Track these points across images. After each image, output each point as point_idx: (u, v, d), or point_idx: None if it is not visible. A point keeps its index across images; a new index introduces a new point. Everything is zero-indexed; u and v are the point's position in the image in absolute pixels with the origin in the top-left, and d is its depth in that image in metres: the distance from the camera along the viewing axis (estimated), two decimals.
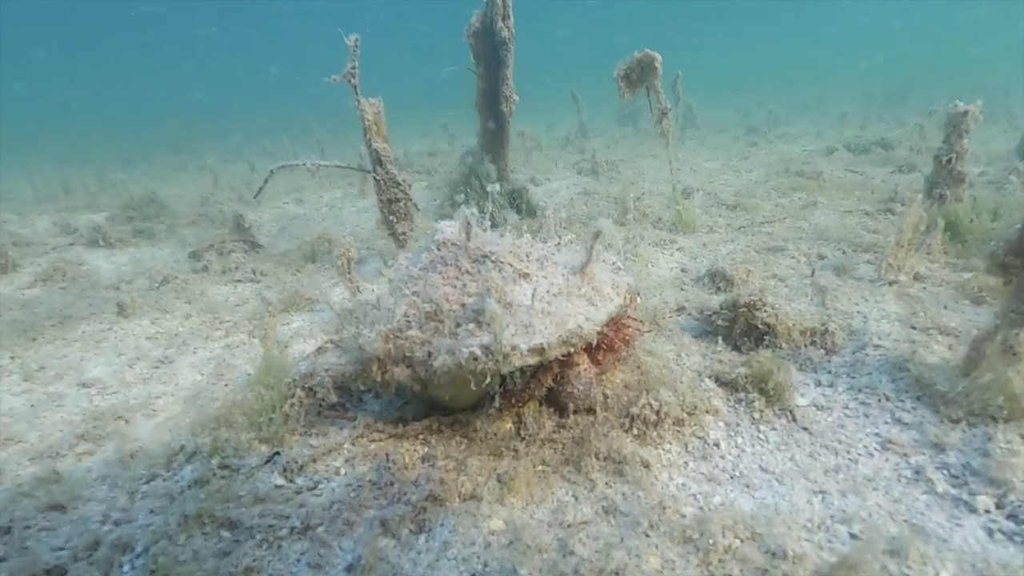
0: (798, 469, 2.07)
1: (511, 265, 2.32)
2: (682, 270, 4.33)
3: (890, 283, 3.60)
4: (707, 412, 2.41)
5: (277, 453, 2.17)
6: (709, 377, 2.66)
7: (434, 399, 2.34)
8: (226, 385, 3.12)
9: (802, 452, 2.17)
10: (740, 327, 3.05)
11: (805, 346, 2.94)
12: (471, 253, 2.35)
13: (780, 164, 8.50)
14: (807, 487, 1.98)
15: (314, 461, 2.14)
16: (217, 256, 5.58)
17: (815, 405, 2.47)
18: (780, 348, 2.92)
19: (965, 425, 2.16)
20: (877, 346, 2.85)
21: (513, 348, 2.00)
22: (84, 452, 2.46)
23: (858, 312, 3.27)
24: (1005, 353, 2.13)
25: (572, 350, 2.16)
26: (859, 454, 2.13)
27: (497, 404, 2.17)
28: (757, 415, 2.41)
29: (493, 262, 2.31)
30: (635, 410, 2.26)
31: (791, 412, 2.41)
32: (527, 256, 2.41)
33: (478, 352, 1.99)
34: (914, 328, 2.98)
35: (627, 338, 2.58)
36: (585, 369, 2.34)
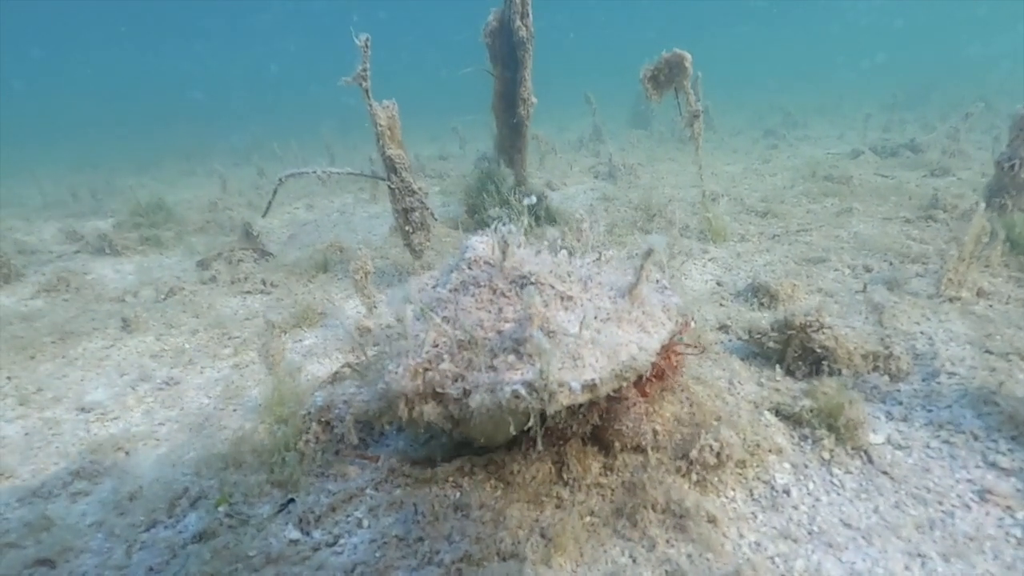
0: (886, 524, 1.80)
1: (553, 287, 2.06)
2: (717, 283, 4.06)
3: (951, 300, 3.31)
4: (770, 451, 2.15)
5: (292, 500, 1.93)
6: (769, 410, 2.39)
7: (466, 437, 2.08)
8: (235, 411, 2.89)
9: (886, 503, 1.90)
10: (795, 350, 2.78)
11: (868, 372, 2.66)
12: (507, 273, 2.10)
13: (806, 168, 8.19)
14: (901, 548, 1.71)
15: (333, 510, 1.90)
16: (226, 265, 5.37)
17: (891, 443, 2.20)
18: (840, 374, 2.65)
19: None
20: (951, 373, 2.57)
21: (561, 385, 1.71)
22: (79, 492, 2.24)
23: (921, 333, 2.99)
24: None
25: (624, 384, 1.85)
26: (954, 506, 1.86)
27: (540, 447, 1.89)
28: (827, 455, 2.15)
29: (532, 284, 2.04)
30: (693, 452, 1.99)
31: (866, 452, 2.14)
32: (569, 276, 2.15)
33: (522, 391, 1.70)
34: (990, 352, 2.70)
35: (676, 365, 2.32)
36: (634, 404, 2.08)
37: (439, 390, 1.85)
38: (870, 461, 2.10)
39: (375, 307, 3.62)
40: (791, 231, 5.09)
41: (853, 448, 2.16)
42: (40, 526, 1.99)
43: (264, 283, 4.81)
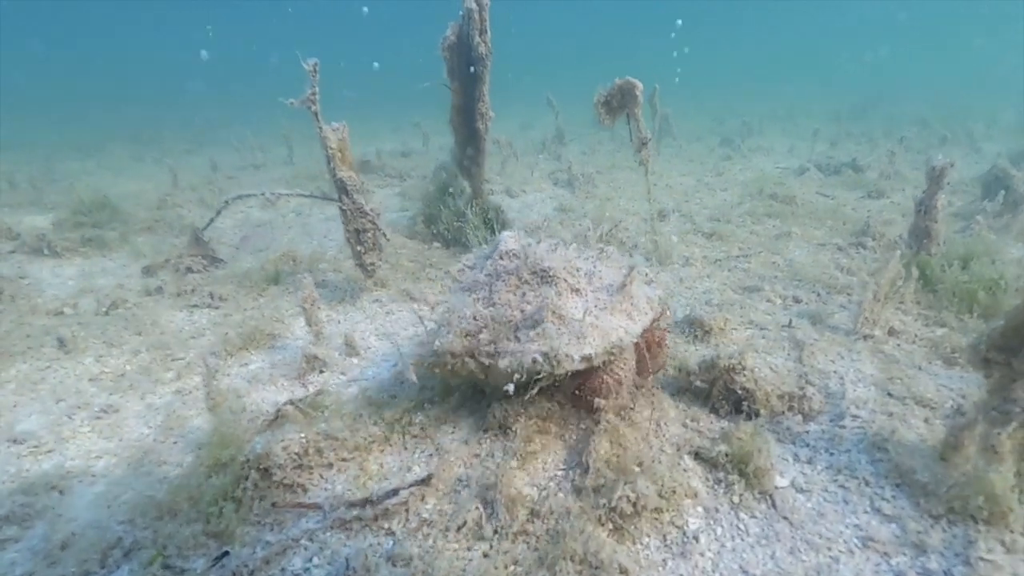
0: (780, 572, 2.00)
1: (566, 281, 2.69)
2: None
3: (865, 337, 3.58)
4: (686, 496, 2.32)
5: (226, 553, 1.98)
6: (689, 454, 2.57)
7: (485, 384, 2.73)
8: (175, 443, 2.90)
9: (783, 548, 2.10)
10: (719, 390, 2.98)
11: (783, 412, 2.88)
12: (530, 266, 2.72)
13: (754, 184, 8.54)
14: None
15: (267, 563, 1.97)
16: (172, 274, 5.26)
17: (795, 487, 2.41)
18: (758, 415, 2.86)
19: (946, 523, 2.12)
20: (855, 416, 2.81)
21: (567, 356, 2.39)
22: (8, 538, 2.23)
23: (835, 372, 3.23)
24: (986, 451, 2.10)
25: (612, 357, 2.58)
26: (840, 551, 2.07)
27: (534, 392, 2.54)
28: (737, 499, 2.34)
29: (551, 277, 2.67)
30: (612, 502, 2.15)
31: (771, 497, 2.34)
32: (578, 271, 2.77)
33: (539, 358, 2.38)
34: (891, 395, 2.96)
35: (660, 341, 2.98)
36: (616, 378, 2.74)
37: (477, 351, 2.49)
38: (773, 506, 2.30)
39: (322, 335, 3.65)
40: (732, 256, 5.34)
41: (760, 493, 2.36)
42: None
43: (212, 296, 4.75)
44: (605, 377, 2.71)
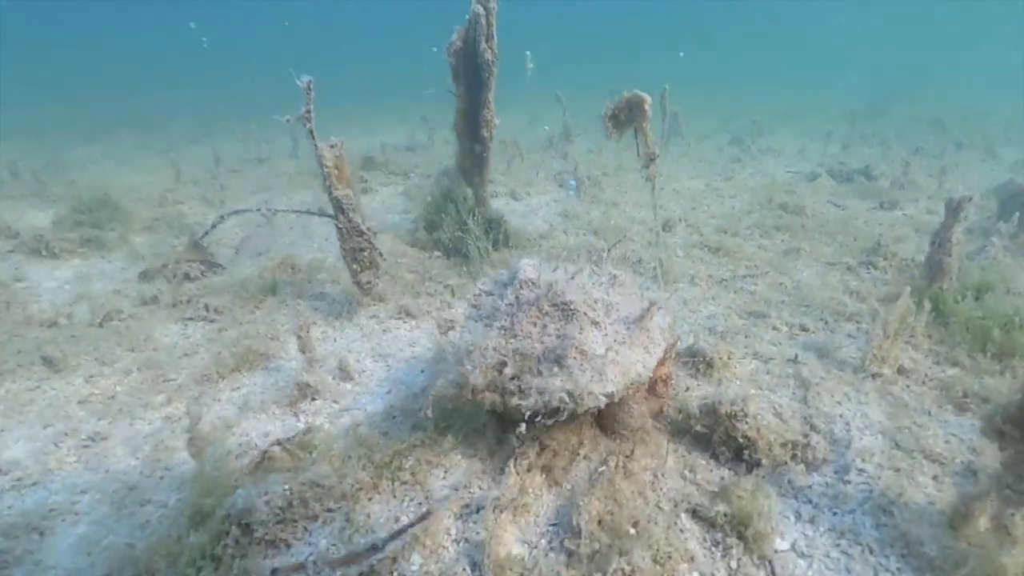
0: None
1: (586, 315, 2.69)
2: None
3: (873, 376, 3.47)
4: (682, 560, 2.24)
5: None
6: (687, 511, 2.48)
7: (504, 414, 2.73)
8: (161, 478, 2.85)
9: None
10: (720, 436, 2.88)
11: (786, 462, 2.79)
12: (551, 298, 2.74)
13: (764, 191, 8.37)
14: None
15: None
16: (168, 283, 5.19)
17: (795, 550, 2.32)
18: (760, 465, 2.77)
19: None
20: (861, 470, 2.71)
21: (590, 394, 2.43)
22: None
23: (841, 416, 3.13)
24: (999, 531, 2.00)
25: (630, 390, 2.62)
26: None
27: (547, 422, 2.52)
28: (735, 563, 2.25)
29: (572, 311, 2.68)
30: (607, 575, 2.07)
31: (770, 563, 2.25)
32: (596, 304, 2.77)
33: (565, 397, 2.42)
34: (898, 447, 2.86)
35: (664, 379, 2.99)
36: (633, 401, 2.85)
37: (499, 386, 2.51)
38: (773, 573, 2.22)
39: (315, 360, 3.57)
40: (739, 275, 5.22)
41: (759, 558, 2.27)
42: None
43: (207, 308, 4.68)
44: (620, 407, 2.83)
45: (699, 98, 22.29)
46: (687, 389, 3.43)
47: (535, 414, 2.46)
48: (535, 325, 2.69)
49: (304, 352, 3.45)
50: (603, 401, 2.45)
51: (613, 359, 2.53)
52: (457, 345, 2.71)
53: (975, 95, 21.64)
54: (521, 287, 2.86)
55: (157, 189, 8.87)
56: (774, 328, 4.24)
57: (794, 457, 2.82)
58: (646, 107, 4.81)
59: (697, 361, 3.62)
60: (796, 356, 3.70)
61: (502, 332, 2.68)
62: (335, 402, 3.44)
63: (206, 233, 4.89)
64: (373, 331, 4.43)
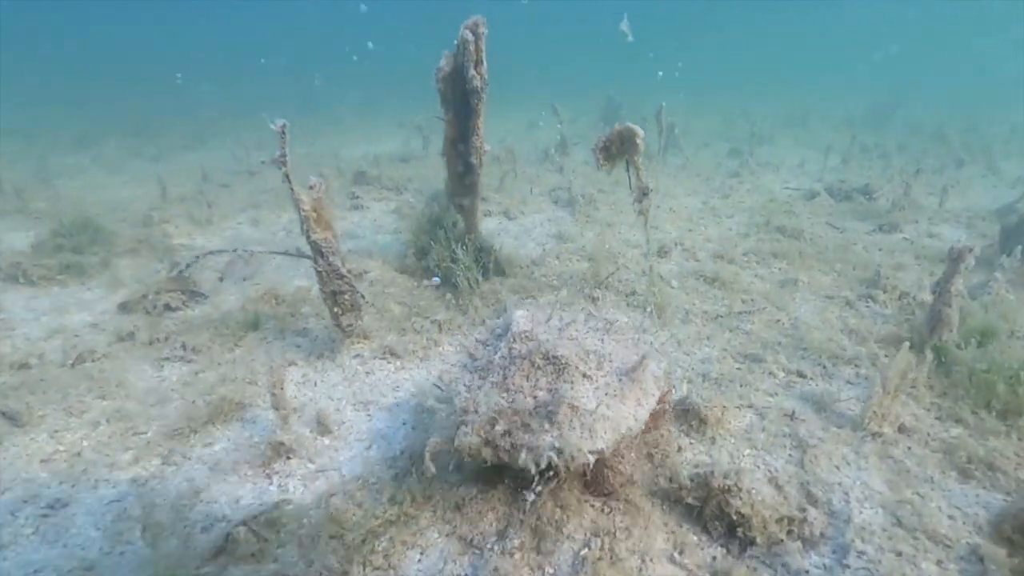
0: None
1: (577, 368, 2.77)
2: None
3: (873, 436, 3.33)
4: None
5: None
6: None
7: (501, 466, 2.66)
8: (122, 554, 2.69)
9: None
10: (712, 510, 2.74)
11: (782, 539, 2.64)
12: (543, 352, 2.84)
13: (761, 212, 8.23)
14: None
15: None
16: (146, 317, 5.03)
17: None
18: (754, 543, 2.62)
19: None
20: (860, 552, 2.57)
21: (579, 451, 2.42)
22: None
23: (839, 484, 2.99)
24: None
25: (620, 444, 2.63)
26: None
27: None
28: None
29: (563, 365, 2.78)
30: None
31: None
32: (588, 356, 2.86)
33: (553, 456, 2.42)
34: (900, 524, 2.71)
35: (657, 417, 3.04)
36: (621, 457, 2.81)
37: (492, 441, 2.55)
38: None
39: (290, 418, 3.42)
40: (734, 311, 5.07)
41: None
42: None
43: (184, 348, 4.53)
44: (614, 460, 2.80)
45: (701, 99, 22.16)
46: (679, 449, 3.28)
47: (534, 475, 2.48)
48: (527, 379, 2.77)
49: (277, 409, 3.30)
50: (592, 459, 2.44)
51: (604, 414, 2.54)
52: (452, 400, 2.82)
53: (980, 99, 21.52)
54: (514, 340, 2.99)
55: (143, 206, 8.70)
56: (770, 374, 4.09)
57: (790, 533, 2.68)
58: (638, 141, 4.66)
59: (690, 417, 3.47)
60: (793, 412, 3.55)
61: (495, 387, 2.77)
62: (311, 462, 3.29)
63: (180, 271, 4.72)
64: (356, 373, 4.28)
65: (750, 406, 3.69)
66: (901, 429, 3.38)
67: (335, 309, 4.13)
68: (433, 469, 2.66)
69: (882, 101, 20.72)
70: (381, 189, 9.92)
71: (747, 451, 3.28)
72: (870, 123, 18.25)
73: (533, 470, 2.44)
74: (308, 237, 3.83)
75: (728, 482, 2.70)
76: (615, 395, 2.67)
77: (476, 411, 2.63)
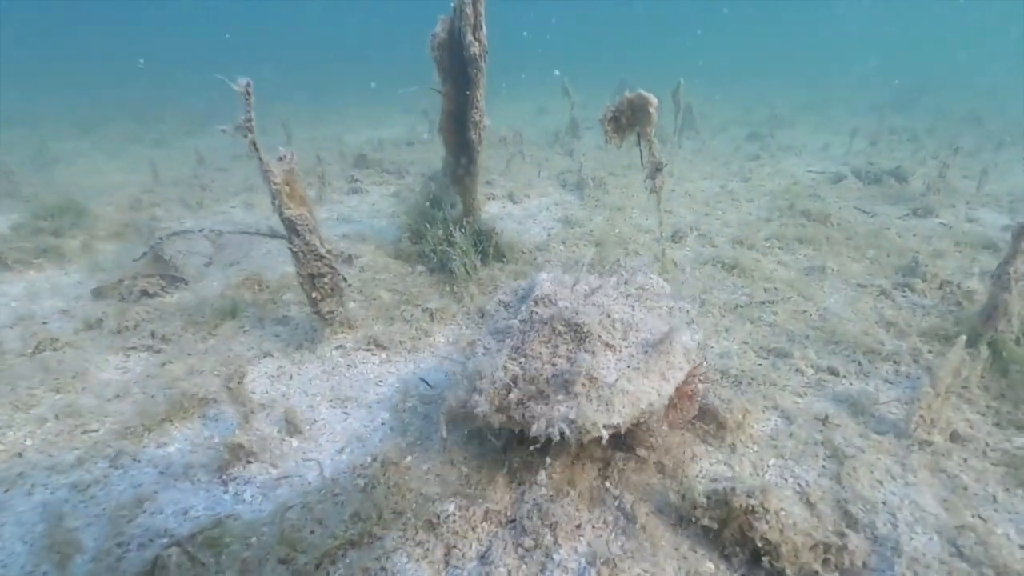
0: None
1: (600, 337, 2.60)
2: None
3: (921, 445, 2.86)
4: None
5: None
6: None
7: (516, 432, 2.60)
8: (46, 574, 2.33)
9: None
10: (733, 533, 2.31)
11: (817, 571, 2.20)
12: (565, 318, 2.67)
13: (784, 195, 7.68)
14: None
15: None
16: (117, 305, 4.69)
17: None
18: (782, 574, 2.19)
19: None
20: None
21: (593, 425, 2.29)
22: None
23: (884, 503, 2.53)
24: None
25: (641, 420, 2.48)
26: None
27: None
28: None
29: (585, 334, 2.61)
30: None
31: None
32: (613, 325, 2.67)
33: (566, 429, 2.30)
34: (961, 555, 2.26)
35: (689, 394, 2.76)
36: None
37: (506, 409, 2.46)
38: None
39: (252, 415, 3.03)
40: (756, 300, 4.59)
41: None
42: None
43: (153, 336, 4.17)
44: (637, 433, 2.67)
45: (719, 86, 21.41)
46: (693, 457, 2.84)
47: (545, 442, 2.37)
48: (546, 346, 2.64)
49: (236, 405, 2.91)
50: (606, 434, 2.30)
51: (624, 388, 2.39)
52: (468, 364, 2.66)
53: (1013, 85, 20.50)
54: (536, 304, 2.82)
55: (137, 188, 8.39)
56: (798, 371, 3.62)
57: (826, 564, 2.24)
58: (651, 110, 4.19)
59: (707, 421, 3.03)
60: (826, 416, 3.09)
61: (512, 352, 2.65)
62: (274, 466, 2.90)
63: (144, 255, 4.36)
64: (336, 366, 3.89)
65: (775, 408, 3.24)
66: (954, 437, 2.91)
67: (314, 294, 3.74)
68: (445, 433, 2.63)
69: (908, 88, 19.83)
70: (382, 173, 9.52)
71: (773, 461, 2.83)
72: (896, 108, 17.43)
73: (546, 439, 2.33)
74: (280, 213, 3.43)
75: (752, 501, 2.26)
76: (638, 368, 2.49)
77: (492, 380, 2.49)
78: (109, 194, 8.09)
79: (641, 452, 2.72)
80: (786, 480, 2.72)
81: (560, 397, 2.39)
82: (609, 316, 2.71)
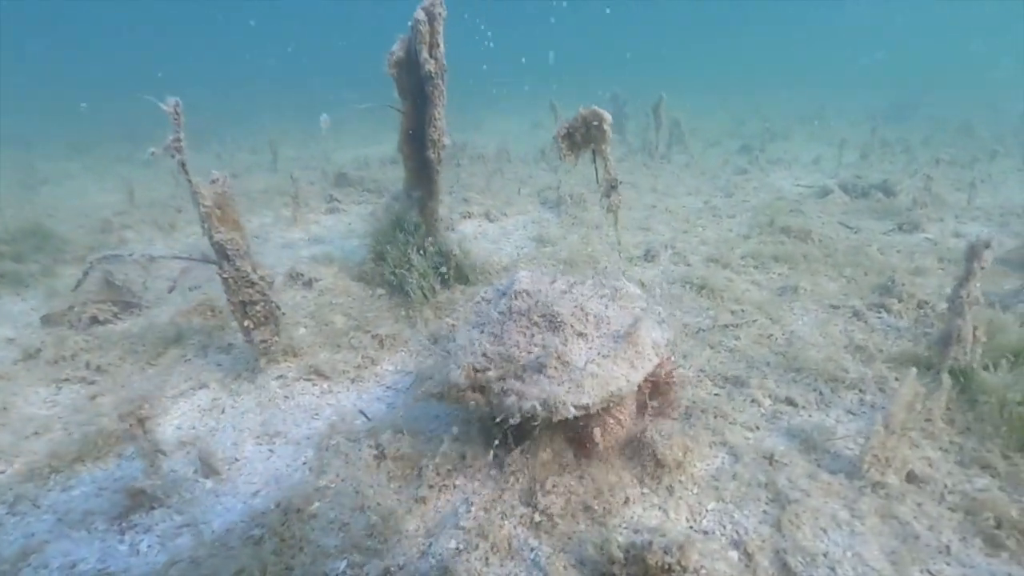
0: None
1: (572, 327, 2.76)
2: None
3: (874, 487, 2.64)
4: None
5: None
6: None
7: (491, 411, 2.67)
8: None
9: None
10: None
11: None
12: (540, 309, 2.85)
13: (766, 211, 7.48)
14: None
15: None
16: (55, 333, 4.55)
17: None
18: None
19: None
20: None
21: (564, 404, 2.42)
22: None
23: (825, 556, 2.31)
24: None
25: (610, 403, 2.59)
26: None
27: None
28: None
29: (558, 323, 2.77)
30: None
31: None
32: (586, 317, 2.82)
33: (537, 406, 2.43)
34: None
35: (667, 380, 3.02)
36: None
37: (484, 386, 2.62)
38: None
39: (160, 456, 2.86)
40: (719, 324, 4.38)
41: None
42: None
43: (88, 367, 4.03)
44: (606, 418, 2.74)
45: (712, 99, 21.33)
46: (626, 501, 2.63)
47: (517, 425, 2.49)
48: (524, 335, 2.78)
49: (139, 447, 2.74)
50: (574, 412, 2.43)
51: (593, 372, 2.54)
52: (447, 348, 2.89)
53: (1009, 91, 20.25)
54: (515, 297, 2.96)
55: (109, 212, 8.33)
56: (754, 401, 3.41)
57: None
58: (605, 127, 4.02)
59: (644, 459, 2.82)
60: (772, 457, 2.87)
61: (491, 338, 2.81)
62: (179, 513, 2.72)
63: (79, 283, 4.23)
64: (273, 398, 3.72)
65: (723, 443, 3.02)
66: (910, 478, 2.68)
67: (246, 322, 3.58)
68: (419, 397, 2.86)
69: (906, 96, 19.65)
70: (362, 191, 9.42)
71: (712, 505, 2.62)
72: (891, 118, 17.23)
73: (517, 417, 2.44)
74: (210, 237, 3.29)
75: (669, 559, 2.05)
76: (607, 355, 2.63)
77: (467, 356, 2.70)
78: (83, 216, 8.03)
79: (596, 434, 2.68)
80: (724, 527, 2.50)
81: (535, 377, 2.54)
82: (583, 309, 2.85)
